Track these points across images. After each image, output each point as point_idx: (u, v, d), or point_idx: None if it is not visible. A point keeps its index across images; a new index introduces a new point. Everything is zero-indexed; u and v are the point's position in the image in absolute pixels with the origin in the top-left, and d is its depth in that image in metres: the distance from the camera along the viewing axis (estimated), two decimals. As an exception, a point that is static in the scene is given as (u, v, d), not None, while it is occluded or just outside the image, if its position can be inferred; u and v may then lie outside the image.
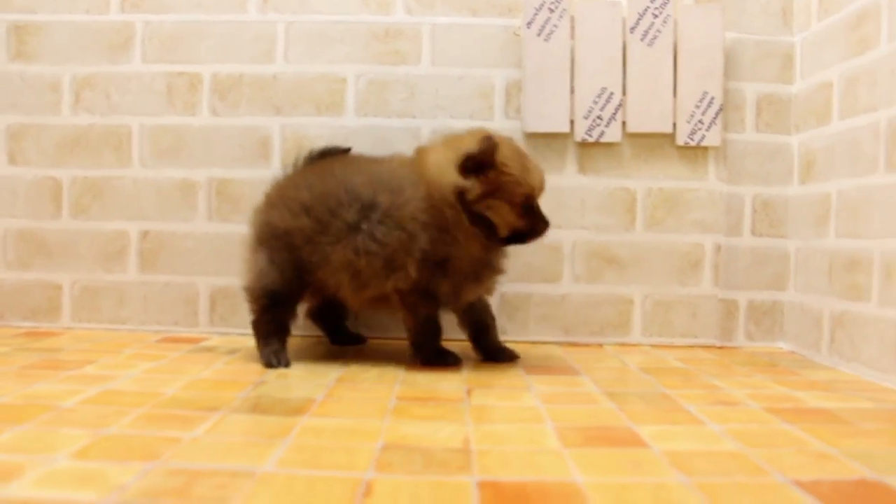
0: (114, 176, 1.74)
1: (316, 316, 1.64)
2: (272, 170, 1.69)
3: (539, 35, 1.67)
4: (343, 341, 1.64)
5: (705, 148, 1.71)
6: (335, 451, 0.87)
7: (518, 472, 0.81)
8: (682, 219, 1.71)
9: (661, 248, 1.71)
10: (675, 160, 1.71)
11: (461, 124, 1.69)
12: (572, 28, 1.68)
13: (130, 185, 1.74)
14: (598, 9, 1.69)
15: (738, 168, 1.73)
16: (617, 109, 1.68)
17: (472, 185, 1.33)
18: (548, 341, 1.69)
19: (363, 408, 1.08)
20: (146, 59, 1.74)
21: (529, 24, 1.67)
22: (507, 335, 1.68)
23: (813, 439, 0.96)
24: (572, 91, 1.69)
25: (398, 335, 1.56)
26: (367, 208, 1.36)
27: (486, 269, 1.42)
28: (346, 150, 1.56)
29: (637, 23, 1.68)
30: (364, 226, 1.36)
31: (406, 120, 1.72)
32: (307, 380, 1.27)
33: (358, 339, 1.65)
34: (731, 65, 1.72)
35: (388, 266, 1.36)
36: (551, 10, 1.67)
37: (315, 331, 1.68)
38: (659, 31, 1.67)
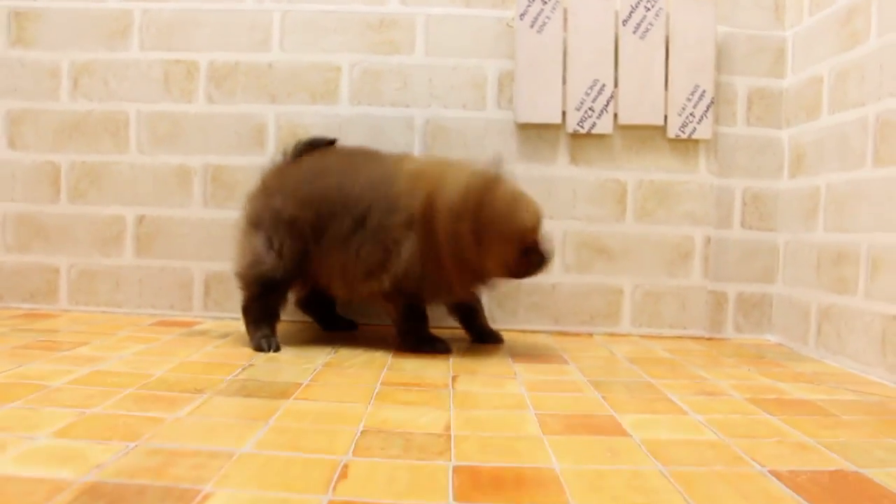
0: (111, 161, 1.75)
1: (306, 305, 1.65)
2: (267, 157, 1.69)
3: (532, 27, 1.68)
4: (334, 327, 1.65)
5: (696, 141, 1.72)
6: (315, 433, 0.89)
7: (496, 457, 0.82)
8: (673, 211, 1.72)
9: (652, 239, 1.72)
10: (666, 152, 1.72)
11: (454, 114, 1.71)
12: (565, 20, 1.69)
13: (127, 171, 1.75)
14: (591, 1, 1.70)
15: (729, 161, 1.74)
16: (609, 101, 1.69)
17: (467, 232, 1.33)
18: (538, 330, 1.71)
19: (348, 392, 1.10)
20: (144, 47, 1.75)
21: (522, 15, 1.68)
22: (497, 323, 1.69)
23: (794, 430, 0.97)
24: (564, 82, 1.70)
25: (388, 321, 1.57)
26: (361, 219, 1.38)
27: (473, 284, 1.45)
28: (332, 142, 1.56)
29: (629, 15, 1.69)
30: (358, 235, 1.38)
31: (399, 109, 1.73)
32: (295, 364, 1.28)
33: (349, 325, 1.66)
34: (723, 58, 1.73)
35: (369, 274, 1.39)
36: (544, 2, 1.68)
37: (306, 316, 1.69)
38: (651, 23, 1.68)
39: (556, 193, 1.71)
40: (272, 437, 0.86)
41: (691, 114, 1.69)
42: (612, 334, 1.73)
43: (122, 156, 1.75)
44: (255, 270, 1.43)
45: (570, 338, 1.67)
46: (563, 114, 1.70)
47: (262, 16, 1.74)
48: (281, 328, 1.48)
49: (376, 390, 1.11)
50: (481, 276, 1.40)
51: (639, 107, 1.70)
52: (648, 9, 1.68)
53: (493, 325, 1.61)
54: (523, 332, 1.72)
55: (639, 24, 1.68)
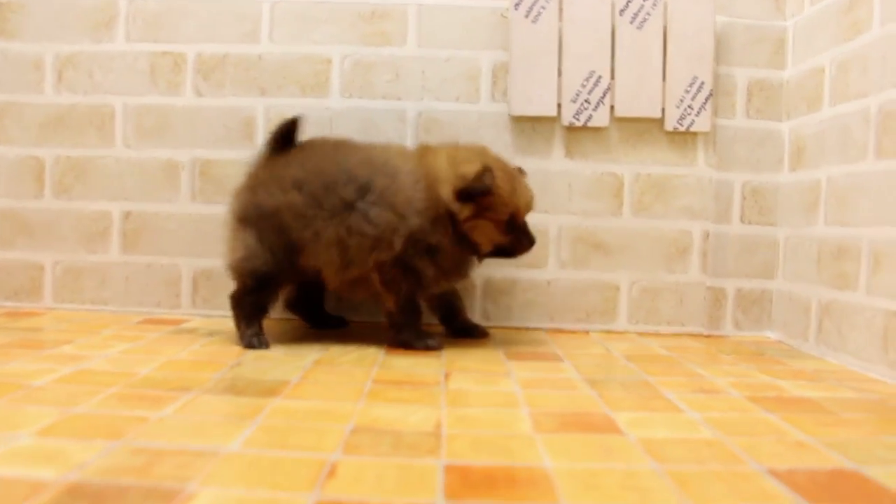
0: (97, 156, 1.72)
1: (294, 305, 1.63)
2: (256, 150, 1.67)
3: (527, 17, 1.65)
4: (324, 325, 1.62)
5: (694, 133, 1.69)
6: (304, 432, 0.86)
7: (487, 456, 0.80)
8: (670, 205, 1.70)
9: (649, 234, 1.69)
10: (663, 145, 1.69)
11: (447, 107, 1.68)
12: (560, 10, 1.66)
13: (113, 165, 1.72)
14: (588, -9, 1.67)
15: (728, 154, 1.71)
16: (605, 93, 1.66)
17: (462, 209, 1.36)
18: (533, 327, 1.68)
19: (338, 390, 1.07)
20: (130, 39, 1.72)
21: (517, 5, 1.65)
22: (492, 321, 1.67)
23: (792, 428, 0.95)
24: (560, 74, 1.67)
25: (381, 318, 1.54)
26: (363, 189, 1.36)
27: (469, 265, 1.47)
28: (295, 120, 1.49)
29: (626, 5, 1.66)
30: (359, 205, 1.36)
31: (391, 102, 1.70)
32: (284, 362, 1.25)
33: (339, 323, 1.64)
34: (721, 49, 1.71)
35: (375, 245, 1.36)
36: (539, -8, 1.65)
37: (294, 316, 1.66)
38: (648, 14, 1.65)
39: (552, 187, 1.68)
40: (259, 436, 0.84)
41: (689, 106, 1.67)
42: (608, 331, 1.71)
43: (107, 150, 1.72)
44: (248, 265, 1.40)
45: (565, 335, 1.64)
46: (559, 106, 1.67)
47: (252, 6, 1.71)
48: (270, 326, 1.46)
49: (367, 388, 1.09)
50: (474, 250, 1.42)
51: (636, 99, 1.67)
52: (645, -1, 1.66)
53: (488, 323, 1.59)
54: (518, 329, 1.69)
55: (636, 15, 1.66)
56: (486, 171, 1.35)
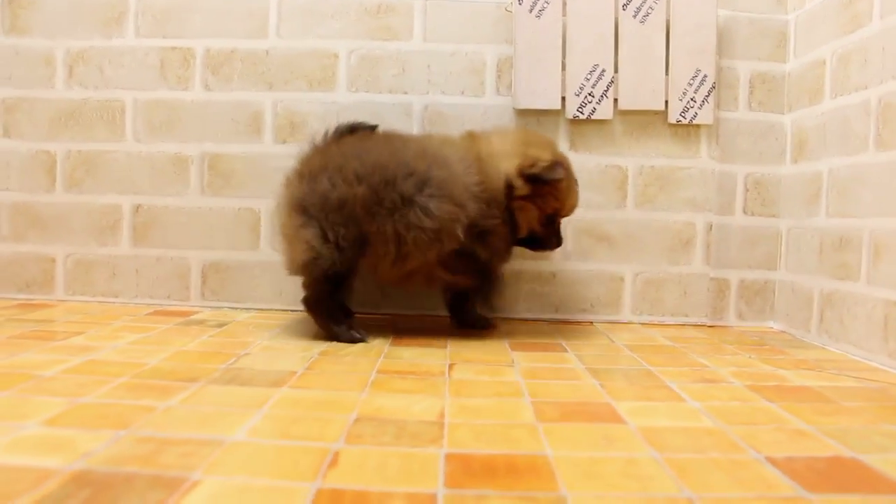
0: (107, 150, 1.74)
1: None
2: (264, 145, 1.70)
3: (531, 11, 1.66)
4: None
5: (697, 126, 1.70)
6: (307, 421, 0.88)
7: (489, 445, 0.81)
8: (674, 197, 1.71)
9: (653, 226, 1.71)
10: (667, 138, 1.71)
11: (452, 100, 1.70)
12: (564, 4, 1.67)
13: (124, 159, 1.74)
14: (592, -15, 1.68)
15: (731, 146, 1.72)
16: (609, 87, 1.67)
17: (522, 186, 1.39)
18: (538, 318, 1.69)
19: (342, 380, 1.09)
20: (139, 34, 1.74)
21: (521, 0, 1.66)
22: (497, 311, 1.68)
23: (792, 417, 0.96)
24: (564, 68, 1.68)
25: (387, 310, 1.56)
26: (422, 182, 1.36)
27: (508, 252, 1.49)
28: (374, 127, 1.55)
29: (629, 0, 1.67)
30: (418, 199, 1.35)
31: (398, 96, 1.71)
32: (291, 353, 1.27)
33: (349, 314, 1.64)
34: (724, 42, 1.72)
35: (436, 237, 1.36)
36: (543, -14, 1.66)
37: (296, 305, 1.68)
38: (652, 7, 1.66)
39: (556, 180, 1.69)
40: (264, 425, 0.85)
41: (692, 99, 1.68)
42: (612, 322, 1.72)
43: (118, 144, 1.74)
44: (316, 267, 1.37)
45: (570, 326, 1.66)
46: (563, 99, 1.69)
47: (259, 2, 1.73)
48: (274, 317, 1.47)
49: (372, 378, 1.10)
50: (512, 230, 1.45)
51: (639, 92, 1.68)
52: (648, -7, 1.67)
53: (492, 313, 1.60)
54: (524, 320, 1.70)
55: (639, 8, 1.67)
56: (558, 163, 1.39)
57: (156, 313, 1.63)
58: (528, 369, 1.20)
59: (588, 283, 1.71)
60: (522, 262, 1.70)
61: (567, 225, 1.66)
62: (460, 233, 1.36)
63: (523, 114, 1.70)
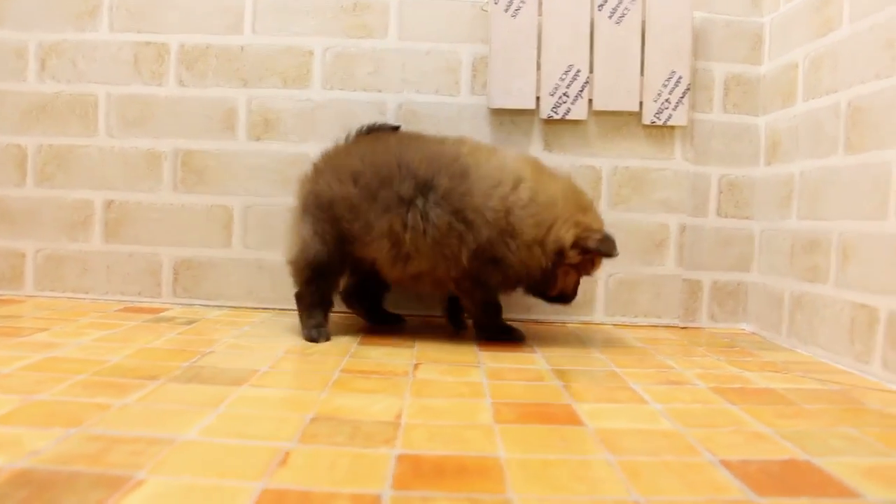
0: (79, 145, 1.73)
1: (350, 298, 1.61)
2: (238, 141, 1.69)
3: (507, 11, 1.66)
4: (380, 321, 1.62)
5: (672, 127, 1.70)
6: (263, 421, 0.87)
7: (442, 446, 0.81)
8: (648, 198, 1.71)
9: (626, 226, 1.70)
10: (641, 139, 1.70)
11: (427, 99, 1.69)
12: (540, 4, 1.67)
13: (96, 154, 1.73)
14: (567, -15, 1.68)
15: (705, 148, 1.72)
16: (583, 87, 1.67)
17: (574, 257, 1.38)
18: (511, 319, 1.68)
19: (305, 380, 1.08)
20: (113, 28, 1.72)
21: (497, -1, 1.66)
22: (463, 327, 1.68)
23: (752, 420, 0.96)
24: (539, 68, 1.68)
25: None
26: (424, 186, 1.36)
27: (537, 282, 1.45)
28: (396, 128, 1.56)
29: (605, 1, 1.67)
30: (418, 202, 1.36)
31: (372, 94, 1.71)
32: (257, 351, 1.26)
33: (396, 320, 1.64)
34: (700, 44, 1.72)
35: (437, 249, 1.36)
36: (518, -14, 1.66)
37: (281, 304, 1.68)
38: (627, 9, 1.66)
39: (530, 180, 1.69)
40: (218, 424, 0.85)
41: (667, 100, 1.68)
42: (586, 323, 1.72)
43: (90, 139, 1.72)
44: (303, 255, 1.42)
45: (543, 327, 1.66)
46: (538, 99, 1.68)
47: (234, -2, 1.72)
48: (246, 315, 1.47)
49: (334, 378, 1.10)
50: (545, 285, 1.44)
51: (614, 93, 1.68)
52: (624, -7, 1.66)
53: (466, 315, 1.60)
54: (496, 320, 1.70)
55: (615, 10, 1.67)
56: (610, 237, 1.39)
57: (126, 310, 1.62)
58: (494, 370, 1.19)
59: (561, 284, 1.71)
60: (496, 261, 1.70)
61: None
62: (464, 258, 1.36)
63: (498, 113, 1.70)
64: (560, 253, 1.37)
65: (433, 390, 1.05)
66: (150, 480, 0.67)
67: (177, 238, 1.72)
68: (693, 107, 1.71)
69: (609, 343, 1.49)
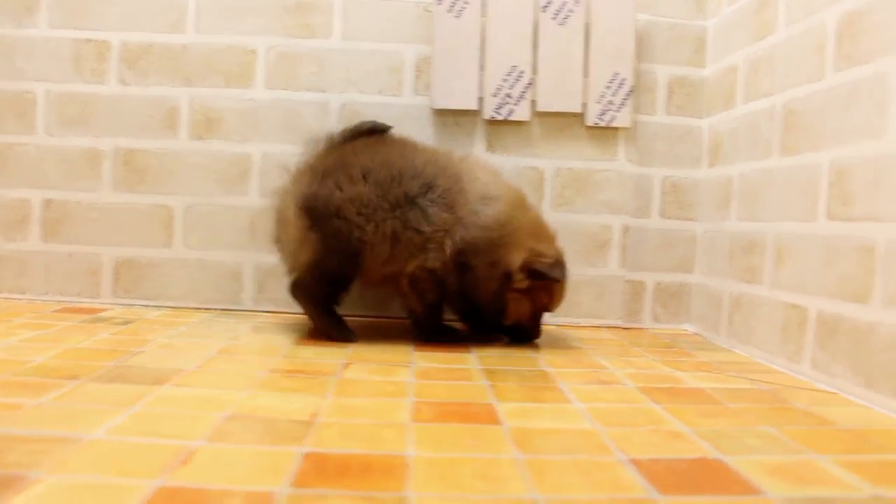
0: (17, 143, 1.71)
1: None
2: (179, 141, 1.68)
3: (450, 11, 1.66)
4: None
5: (615, 129, 1.71)
6: (177, 420, 0.86)
7: (353, 444, 0.80)
8: (591, 199, 1.71)
9: (569, 227, 1.70)
10: (584, 140, 1.71)
11: (370, 99, 1.69)
12: (483, 5, 1.67)
13: (34, 153, 1.71)
14: (511, -14, 1.68)
15: (649, 150, 1.73)
16: (527, 88, 1.67)
17: (521, 281, 1.39)
18: (452, 320, 1.68)
19: (230, 379, 1.07)
20: (53, 25, 1.71)
21: (440, 0, 1.66)
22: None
23: (673, 419, 0.96)
24: (482, 68, 1.68)
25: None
26: (427, 186, 1.37)
27: (490, 302, 1.44)
28: (388, 129, 1.54)
29: (549, 1, 1.67)
30: (420, 201, 1.36)
31: (315, 94, 1.70)
32: (188, 351, 1.25)
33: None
34: (644, 47, 1.72)
35: (423, 245, 1.37)
36: (461, -14, 1.66)
37: (223, 304, 1.67)
38: (571, 10, 1.67)
39: (473, 181, 1.69)
40: (130, 423, 0.84)
41: (610, 101, 1.68)
42: (528, 324, 1.72)
43: (28, 137, 1.70)
44: (318, 270, 1.39)
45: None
46: (480, 100, 1.68)
47: (177, -4, 1.71)
48: (190, 316, 1.45)
49: (261, 377, 1.09)
50: (499, 313, 1.44)
51: (557, 94, 1.68)
52: (568, -5, 1.67)
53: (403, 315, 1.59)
54: (439, 321, 1.69)
55: (558, 11, 1.67)
56: (561, 265, 1.41)
57: (63, 310, 1.61)
58: (424, 370, 1.19)
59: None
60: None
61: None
62: (448, 249, 1.36)
63: (441, 114, 1.70)
64: (508, 275, 1.38)
65: (357, 389, 1.04)
66: (45, 480, 0.66)
67: (117, 238, 1.71)
68: (637, 109, 1.72)
69: (547, 344, 1.49)
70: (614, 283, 1.72)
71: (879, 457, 0.84)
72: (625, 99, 1.68)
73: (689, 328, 1.75)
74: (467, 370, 1.20)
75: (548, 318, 1.65)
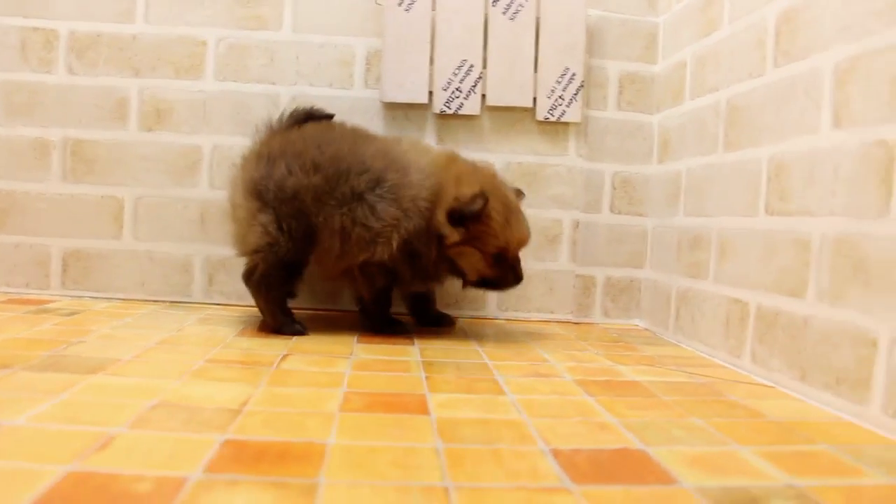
0: (-36, 133, 1.69)
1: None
2: (129, 132, 1.67)
3: (400, 5, 1.66)
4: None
5: (566, 124, 1.71)
6: (101, 407, 0.86)
7: (275, 433, 0.80)
8: (541, 194, 1.72)
9: (520, 222, 1.71)
10: (535, 135, 1.71)
11: (320, 92, 1.69)
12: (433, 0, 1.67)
13: (-19, 143, 1.69)
14: (462, -20, 1.68)
15: (599, 145, 1.74)
16: (477, 82, 1.68)
17: (451, 233, 1.36)
18: (400, 313, 1.68)
19: (165, 368, 1.07)
20: None
21: (390, -8, 1.66)
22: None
23: (603, 411, 0.97)
24: (432, 62, 1.68)
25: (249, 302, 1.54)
26: (375, 181, 1.35)
27: (437, 280, 1.47)
28: (330, 116, 1.54)
29: (499, -4, 1.68)
30: (367, 197, 1.35)
31: (265, 86, 1.70)
32: (129, 341, 1.24)
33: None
34: (595, 42, 1.73)
35: (373, 240, 1.36)
36: (411, -20, 1.66)
37: (172, 296, 1.67)
38: (521, 5, 1.67)
39: (423, 174, 1.69)
40: (54, 411, 0.83)
41: (560, 96, 1.69)
42: (478, 318, 1.73)
43: (-25, 127, 1.69)
44: (271, 253, 1.38)
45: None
46: (431, 94, 1.69)
47: (127, -14, 1.70)
48: (138, 307, 1.44)
49: (196, 366, 1.09)
50: (457, 274, 1.43)
51: (507, 88, 1.69)
52: (519, -10, 1.67)
53: (354, 309, 1.60)
54: (388, 314, 1.69)
55: (509, 5, 1.67)
56: (480, 195, 1.34)
57: (9, 301, 1.59)
58: (363, 361, 1.19)
59: (454, 280, 1.70)
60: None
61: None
62: (395, 243, 1.35)
63: (391, 107, 1.70)
64: (440, 236, 1.37)
65: (291, 380, 1.04)
66: (-46, 465, 0.66)
67: (66, 229, 1.69)
68: (587, 104, 1.73)
69: (493, 337, 1.49)
70: (565, 277, 1.73)
71: (801, 448, 0.85)
72: (575, 94, 1.69)
73: (640, 323, 1.76)
74: (406, 362, 1.21)
75: (497, 313, 1.67)
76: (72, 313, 1.48)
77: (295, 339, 1.35)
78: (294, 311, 1.45)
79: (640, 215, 1.75)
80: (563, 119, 1.69)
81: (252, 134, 1.46)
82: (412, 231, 1.35)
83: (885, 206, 0.95)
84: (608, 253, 1.76)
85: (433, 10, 1.67)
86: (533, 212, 1.71)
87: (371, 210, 1.35)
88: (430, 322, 1.59)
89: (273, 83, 1.69)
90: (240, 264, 1.46)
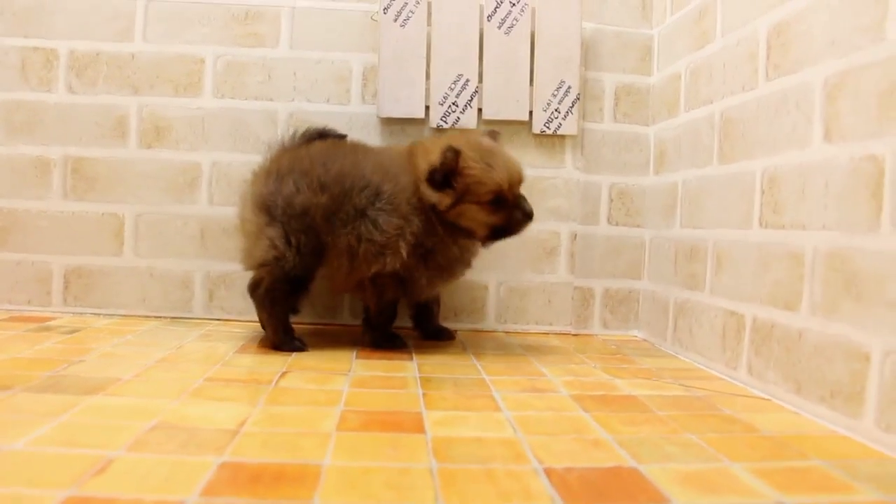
0: (-35, 152, 1.71)
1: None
2: (128, 149, 1.68)
3: (396, 21, 1.67)
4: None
5: (562, 136, 1.72)
6: (101, 429, 0.86)
7: (271, 454, 0.81)
8: (538, 206, 1.71)
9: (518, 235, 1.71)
10: (531, 148, 1.72)
11: (318, 108, 1.70)
12: (429, 14, 1.68)
13: (-18, 162, 1.71)
14: (457, -4, 1.69)
15: (596, 157, 1.75)
16: (473, 96, 1.69)
17: (441, 199, 1.36)
18: (399, 327, 1.69)
19: (164, 388, 1.07)
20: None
21: (386, 9, 1.67)
22: (358, 319, 1.67)
23: (598, 427, 0.97)
24: (428, 77, 1.69)
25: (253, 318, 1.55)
26: (374, 195, 1.37)
27: (460, 265, 1.47)
28: (342, 136, 1.55)
29: (494, 10, 1.68)
30: (369, 212, 1.36)
31: (263, 102, 1.71)
32: (129, 360, 1.25)
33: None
34: (590, 55, 1.74)
35: (381, 252, 1.37)
36: (407, -4, 1.67)
37: (173, 312, 1.68)
38: (516, 19, 1.68)
39: (421, 188, 1.70)
40: (53, 434, 0.84)
41: (556, 109, 1.70)
42: (476, 330, 1.73)
43: (-25, 146, 1.70)
44: (278, 267, 1.39)
45: (433, 333, 1.66)
46: (427, 108, 1.70)
47: (126, 4, 1.71)
48: (139, 324, 1.45)
49: (195, 385, 1.09)
50: (470, 237, 1.42)
51: (503, 102, 1.70)
52: (514, 4, 1.68)
53: (353, 321, 1.60)
54: (387, 328, 1.70)
55: (504, 20, 1.68)
56: (448, 149, 1.34)
57: (11, 319, 1.60)
58: (361, 378, 1.20)
59: (452, 292, 1.72)
60: (389, 269, 1.70)
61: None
62: (404, 251, 1.37)
63: (388, 122, 1.71)
64: (433, 207, 1.38)
65: (289, 398, 1.05)
66: (-47, 492, 0.67)
67: (67, 246, 1.71)
68: (583, 116, 1.73)
69: (491, 350, 1.50)
70: (563, 289, 1.74)
71: (793, 463, 0.86)
72: (571, 106, 1.70)
73: (638, 334, 1.76)
74: (404, 378, 1.21)
75: (495, 325, 1.67)
76: (73, 331, 1.49)
77: (294, 355, 1.35)
78: (294, 325, 1.45)
79: (638, 227, 1.76)
80: (559, 132, 1.70)
81: (263, 151, 1.48)
82: (417, 232, 1.37)
83: (876, 220, 0.95)
84: (606, 264, 1.76)
85: (428, 25, 1.68)
86: (531, 224, 1.71)
87: (374, 224, 1.36)
88: (431, 335, 1.60)
89: (271, 100, 1.71)
90: (240, 280, 1.48)
